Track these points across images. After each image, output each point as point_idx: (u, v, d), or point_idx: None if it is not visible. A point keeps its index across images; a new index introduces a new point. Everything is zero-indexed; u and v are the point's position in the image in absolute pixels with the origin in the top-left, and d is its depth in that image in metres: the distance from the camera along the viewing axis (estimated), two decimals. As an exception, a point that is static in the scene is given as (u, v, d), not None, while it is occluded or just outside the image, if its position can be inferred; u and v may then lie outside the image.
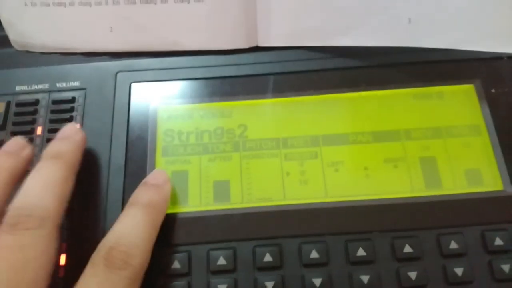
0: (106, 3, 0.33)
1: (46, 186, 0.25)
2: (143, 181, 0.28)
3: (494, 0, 0.30)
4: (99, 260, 0.24)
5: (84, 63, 0.34)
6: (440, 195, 0.29)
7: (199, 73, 0.33)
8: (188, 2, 0.33)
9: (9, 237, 0.23)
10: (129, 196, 0.29)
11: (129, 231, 0.25)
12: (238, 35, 0.34)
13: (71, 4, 0.34)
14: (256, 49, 0.34)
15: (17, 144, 0.28)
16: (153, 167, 0.30)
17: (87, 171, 0.30)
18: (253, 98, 0.33)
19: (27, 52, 0.37)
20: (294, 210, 0.29)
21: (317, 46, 0.34)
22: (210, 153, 0.31)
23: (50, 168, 0.26)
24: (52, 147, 0.28)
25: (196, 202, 0.30)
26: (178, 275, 0.27)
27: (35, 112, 0.32)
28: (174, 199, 0.30)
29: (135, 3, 0.33)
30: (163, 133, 0.32)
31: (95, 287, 0.23)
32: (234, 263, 0.27)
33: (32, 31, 0.36)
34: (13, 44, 0.37)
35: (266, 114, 0.32)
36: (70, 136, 0.28)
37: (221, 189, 0.30)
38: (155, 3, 0.33)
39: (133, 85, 0.33)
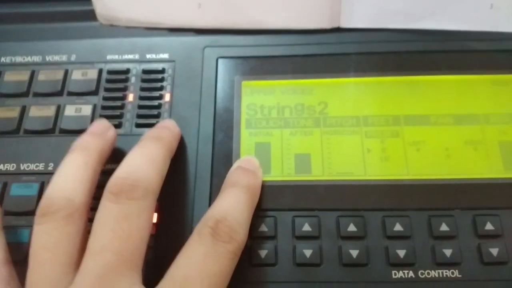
0: (197, -21, 0.35)
1: (149, 160, 0.26)
2: (238, 165, 0.29)
3: None
4: (207, 230, 0.24)
5: (171, 37, 0.36)
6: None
7: (282, 50, 0.34)
8: (278, -18, 0.34)
9: (114, 206, 0.24)
10: (217, 163, 0.30)
11: (234, 208, 0.26)
12: (322, 15, 0.35)
13: (162, -20, 0.36)
14: (339, 29, 0.35)
15: (102, 125, 0.29)
16: (238, 137, 0.32)
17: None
18: (334, 77, 0.34)
19: (112, 25, 0.39)
20: (376, 185, 0.30)
21: (400, 28, 0.34)
22: (291, 127, 0.32)
23: (152, 146, 0.27)
24: (153, 131, 0.29)
25: (279, 172, 0.31)
26: (265, 237, 0.28)
27: (126, 80, 0.34)
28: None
29: (225, -20, 0.34)
30: (247, 106, 0.33)
31: (202, 254, 0.24)
32: (318, 230, 0.28)
33: (119, 5, 0.38)
34: (98, 18, 0.39)
35: (347, 93, 0.33)
36: (169, 127, 0.30)
37: (302, 161, 0.31)
38: (245, -19, 0.34)
39: (219, 60, 0.34)
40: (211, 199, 0.30)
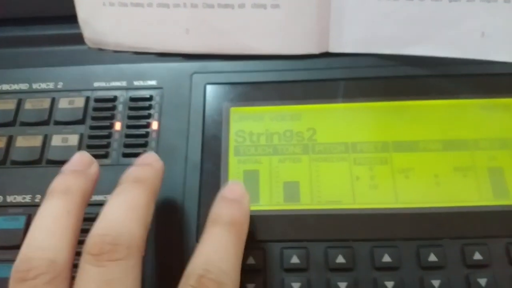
0: (184, 5, 0.35)
1: (131, 210, 0.23)
2: (221, 195, 0.27)
3: None
4: None
5: (159, 63, 0.36)
6: (508, 205, 0.30)
7: (270, 76, 0.34)
8: (265, 8, 0.34)
9: (94, 269, 0.21)
10: (205, 192, 0.30)
11: (217, 255, 0.23)
12: (310, 40, 0.35)
13: (149, 5, 0.36)
14: (327, 55, 0.35)
15: (84, 159, 0.26)
16: (226, 165, 0.32)
17: (166, 167, 0.31)
18: (322, 103, 0.33)
19: (100, 49, 0.38)
20: (365, 214, 0.30)
21: (389, 54, 0.34)
22: (280, 155, 0.32)
23: (133, 191, 0.24)
24: (133, 172, 0.26)
25: (267, 201, 0.31)
26: (254, 270, 0.28)
27: (113, 108, 0.33)
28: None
29: (213, 6, 0.34)
30: (235, 133, 0.33)
31: None
32: (307, 263, 0.28)
33: (108, 29, 0.37)
34: (86, 42, 0.39)
35: (335, 119, 0.33)
36: (150, 163, 0.27)
37: (291, 189, 0.31)
38: (233, 8, 0.34)
39: (208, 86, 0.34)
40: (198, 231, 0.29)
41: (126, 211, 0.23)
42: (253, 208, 0.30)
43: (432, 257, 0.28)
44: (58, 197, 0.24)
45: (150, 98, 0.33)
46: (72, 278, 0.22)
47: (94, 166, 0.26)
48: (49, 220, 0.23)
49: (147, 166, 0.27)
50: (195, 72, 0.34)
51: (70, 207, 0.23)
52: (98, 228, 0.23)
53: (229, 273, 0.23)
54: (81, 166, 0.26)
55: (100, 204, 0.25)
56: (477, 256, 0.28)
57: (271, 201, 0.31)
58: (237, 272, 0.24)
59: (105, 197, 0.29)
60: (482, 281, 0.27)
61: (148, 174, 0.26)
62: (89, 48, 0.39)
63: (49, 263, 0.21)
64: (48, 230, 0.22)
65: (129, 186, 0.25)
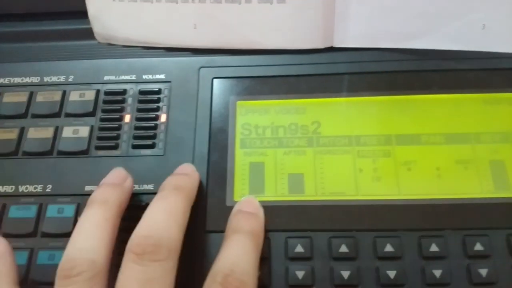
0: (192, 1, 0.36)
1: (171, 216, 0.26)
2: (238, 208, 0.29)
3: None
4: (216, 287, 0.24)
5: (167, 57, 0.36)
6: (509, 197, 0.30)
7: (276, 71, 0.35)
8: (271, 3, 0.34)
9: (137, 267, 0.23)
10: (212, 182, 0.31)
11: (241, 258, 0.26)
12: (315, 35, 0.35)
13: (158, 0, 0.36)
14: (332, 49, 0.36)
15: (120, 175, 0.29)
16: (233, 157, 0.32)
17: (174, 159, 0.32)
18: (327, 97, 0.34)
19: (109, 44, 0.39)
20: (368, 205, 0.30)
21: (391, 48, 0.35)
22: (285, 147, 0.33)
23: (173, 198, 0.27)
24: (173, 180, 0.29)
25: (272, 192, 0.31)
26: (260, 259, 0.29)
27: (123, 101, 0.34)
28: (251, 188, 0.31)
29: (220, 2, 0.35)
30: (241, 126, 0.34)
31: None
32: (311, 252, 0.29)
33: (117, 25, 0.38)
34: (96, 36, 0.39)
35: (339, 112, 0.34)
36: (188, 173, 0.30)
37: (296, 181, 0.32)
38: (240, 3, 0.35)
39: (215, 80, 0.35)
40: (207, 221, 0.30)
41: (167, 216, 0.26)
42: (259, 199, 0.31)
43: (434, 248, 0.29)
44: (97, 206, 0.26)
45: (158, 92, 0.34)
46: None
47: (129, 181, 0.29)
48: (89, 226, 0.26)
49: (185, 176, 0.29)
50: (203, 66, 0.35)
51: (107, 215, 0.26)
52: (141, 230, 0.25)
53: (251, 274, 0.25)
54: (117, 180, 0.29)
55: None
56: (478, 247, 0.28)
57: (276, 192, 0.31)
58: (256, 275, 0.26)
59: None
60: (483, 271, 0.28)
61: (186, 183, 0.29)
62: (99, 43, 0.39)
63: (89, 262, 0.24)
64: (88, 234, 0.25)
65: (169, 193, 0.27)
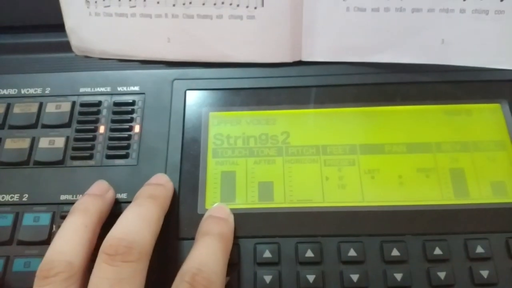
0: (166, 16, 0.37)
1: (145, 221, 0.27)
2: (209, 214, 0.30)
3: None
4: (185, 286, 0.25)
5: (142, 69, 0.38)
6: (468, 204, 0.32)
7: (247, 83, 0.36)
8: (241, 19, 0.36)
9: (109, 268, 0.24)
10: (184, 191, 0.32)
11: (209, 258, 0.27)
12: (284, 50, 0.37)
13: (133, 15, 0.38)
14: (300, 63, 0.37)
15: (102, 186, 0.31)
16: (205, 167, 0.33)
17: (147, 168, 0.33)
18: (296, 108, 0.36)
19: (86, 57, 0.40)
20: (333, 211, 0.32)
21: (357, 62, 0.37)
22: (255, 156, 0.34)
23: (147, 205, 0.28)
24: (148, 190, 0.30)
25: (243, 200, 0.33)
26: (229, 265, 0.30)
27: (98, 112, 0.35)
28: (223, 196, 0.33)
29: (192, 17, 0.36)
30: (214, 136, 0.35)
31: None
32: (278, 257, 0.30)
33: (94, 38, 0.39)
34: (73, 49, 0.40)
35: (308, 123, 0.35)
36: (163, 184, 0.31)
37: (265, 189, 0.33)
38: (211, 18, 0.36)
39: (188, 92, 0.36)
40: (179, 229, 0.31)
41: (141, 221, 0.27)
42: (230, 207, 0.32)
43: (395, 252, 0.30)
44: (78, 214, 0.28)
45: (133, 103, 0.35)
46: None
47: (110, 192, 0.31)
48: (69, 231, 0.27)
49: (160, 185, 0.31)
50: (176, 79, 0.36)
51: (87, 222, 0.28)
52: (115, 232, 0.26)
53: (219, 274, 0.27)
54: (99, 192, 0.30)
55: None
56: (437, 251, 0.30)
57: (246, 200, 0.33)
58: (224, 275, 0.27)
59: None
60: (442, 275, 0.30)
61: (160, 193, 0.30)
62: (76, 55, 0.40)
63: (66, 264, 0.25)
64: (68, 239, 0.27)
65: (144, 201, 0.29)
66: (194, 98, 0.36)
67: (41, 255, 0.27)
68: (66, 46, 0.41)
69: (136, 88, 0.36)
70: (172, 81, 0.36)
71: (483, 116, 0.35)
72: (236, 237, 0.31)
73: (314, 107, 0.35)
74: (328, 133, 0.35)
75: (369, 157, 0.34)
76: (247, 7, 0.36)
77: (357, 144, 0.34)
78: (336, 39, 0.36)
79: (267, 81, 0.36)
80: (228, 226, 0.30)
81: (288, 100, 0.36)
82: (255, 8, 0.36)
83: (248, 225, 0.31)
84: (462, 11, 0.34)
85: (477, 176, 0.33)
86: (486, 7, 0.34)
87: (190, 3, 0.36)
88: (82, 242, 0.27)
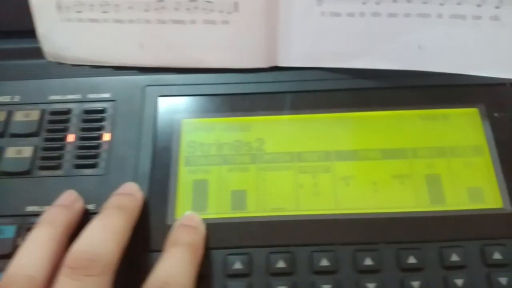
0: (138, 21, 0.36)
1: (111, 233, 0.26)
2: (178, 223, 0.30)
3: (498, 30, 0.32)
4: None
5: (114, 76, 0.37)
6: (444, 211, 0.31)
7: (221, 89, 0.36)
8: (215, 24, 0.35)
9: (69, 282, 0.24)
10: (154, 201, 0.31)
11: (176, 270, 0.26)
12: (259, 55, 0.36)
13: (105, 21, 0.37)
14: (275, 68, 0.37)
15: (70, 197, 0.30)
16: (176, 175, 0.33)
17: (116, 178, 0.32)
18: (270, 114, 0.35)
19: (59, 63, 0.39)
20: (306, 220, 0.31)
21: (333, 67, 0.36)
22: (229, 164, 0.33)
23: (115, 217, 0.28)
24: (116, 200, 0.29)
25: (215, 209, 0.32)
26: (199, 277, 0.29)
27: (67, 120, 0.35)
28: (194, 206, 0.32)
29: (165, 22, 0.36)
30: (186, 144, 0.34)
31: None
32: (249, 268, 0.29)
33: (66, 44, 0.39)
34: (46, 55, 0.40)
35: (282, 130, 0.35)
36: (131, 193, 0.30)
37: (238, 198, 0.32)
38: (184, 23, 0.36)
39: (160, 98, 0.35)
40: (149, 240, 0.30)
41: (106, 234, 0.26)
42: (202, 216, 0.31)
43: (368, 261, 0.29)
44: (44, 226, 0.27)
45: (103, 111, 0.34)
46: None
47: (78, 203, 0.30)
48: (33, 245, 0.26)
49: (128, 195, 0.30)
50: (148, 85, 0.36)
51: (53, 234, 0.27)
52: (78, 245, 0.25)
53: (186, 287, 0.26)
54: (66, 202, 0.30)
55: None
56: (412, 260, 0.29)
57: (219, 209, 0.32)
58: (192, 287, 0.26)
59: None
60: (416, 284, 0.29)
61: (128, 203, 0.29)
62: (49, 62, 0.40)
63: (27, 278, 0.24)
64: (30, 252, 0.26)
65: (110, 212, 0.28)
66: (166, 105, 0.35)
67: (3, 270, 0.26)
68: (39, 53, 0.40)
69: (107, 95, 0.35)
70: (144, 88, 0.36)
71: (461, 121, 0.35)
72: (207, 248, 0.30)
73: (290, 113, 0.35)
74: (303, 140, 0.34)
75: (344, 163, 0.33)
76: (221, 12, 0.35)
77: (332, 150, 0.34)
78: (312, 44, 0.36)
79: (242, 87, 0.36)
80: (198, 235, 0.29)
81: (263, 106, 0.35)
82: (229, 13, 0.35)
83: (219, 235, 0.31)
84: (439, 16, 0.33)
85: (453, 182, 0.32)
86: (464, 13, 0.33)
87: (163, 8, 0.35)
88: (46, 255, 0.26)
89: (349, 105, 0.35)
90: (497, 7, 0.32)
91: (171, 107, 0.35)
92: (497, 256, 0.29)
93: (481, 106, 0.34)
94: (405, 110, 0.35)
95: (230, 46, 0.36)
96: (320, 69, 0.36)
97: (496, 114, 0.34)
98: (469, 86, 0.35)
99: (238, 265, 0.29)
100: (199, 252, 0.29)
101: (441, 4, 0.33)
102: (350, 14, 0.34)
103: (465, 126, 0.34)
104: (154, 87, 0.36)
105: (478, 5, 0.33)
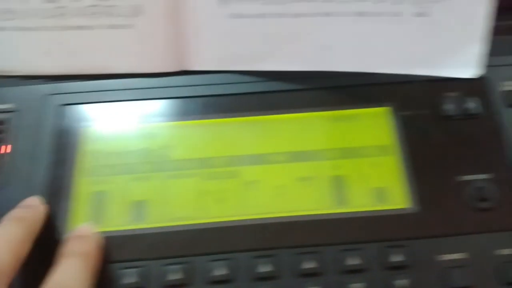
0: (41, 28, 0.35)
1: (5, 243, 0.26)
2: (71, 235, 0.29)
3: (401, 27, 0.32)
4: None
5: (18, 85, 0.36)
6: (346, 212, 0.31)
7: (127, 95, 0.35)
8: (119, 28, 0.34)
9: None
10: (52, 216, 0.30)
11: (68, 277, 0.26)
12: (166, 59, 0.35)
13: (6, 29, 0.36)
14: (184, 72, 0.36)
15: (35, 200, 0.30)
16: (75, 187, 0.32)
17: (15, 191, 0.31)
18: (177, 120, 0.34)
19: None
20: (207, 228, 0.30)
21: (241, 70, 0.35)
22: (131, 174, 0.33)
23: (12, 227, 0.27)
24: (15, 212, 0.29)
25: (112, 221, 0.31)
26: (92, 290, 0.28)
27: (-34, 132, 0.33)
28: (91, 218, 0.31)
29: (68, 28, 0.35)
30: (89, 154, 0.33)
31: None
32: (145, 282, 0.29)
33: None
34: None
35: (189, 136, 0.34)
36: (32, 206, 0.30)
37: (138, 209, 0.31)
38: (87, 29, 0.35)
39: (63, 107, 0.34)
40: (47, 253, 0.29)
41: (2, 244, 0.26)
42: (99, 229, 0.30)
43: (265, 268, 0.29)
44: (12, 222, 0.28)
45: (2, 122, 0.33)
46: None
47: (42, 206, 0.30)
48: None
49: (28, 207, 0.30)
50: (51, 94, 0.35)
51: (20, 229, 0.27)
52: None
53: None
54: (32, 203, 0.30)
55: None
56: (310, 264, 0.29)
57: (116, 221, 0.31)
58: None
59: None
60: (315, 290, 0.28)
61: (28, 215, 0.29)
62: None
63: None
64: None
65: (8, 223, 0.28)
66: (69, 114, 0.34)
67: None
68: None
69: (9, 106, 0.34)
70: (47, 96, 0.35)
71: (370, 121, 0.34)
72: (102, 261, 0.29)
73: (196, 119, 0.34)
74: (211, 145, 0.34)
75: (250, 168, 0.33)
76: (124, 16, 0.35)
77: (239, 155, 0.33)
78: (219, 47, 0.35)
79: (148, 92, 0.35)
80: (90, 245, 0.29)
81: (170, 112, 0.34)
82: (133, 17, 0.35)
83: (115, 249, 0.30)
84: (344, 14, 0.33)
85: (359, 183, 0.32)
86: (367, 10, 0.33)
87: (62, 14, 0.34)
88: (13, 246, 0.26)
89: (257, 109, 0.34)
90: (398, 3, 0.32)
91: (75, 115, 0.34)
92: (397, 258, 0.29)
93: (389, 105, 0.34)
94: (314, 112, 0.34)
95: (135, 50, 0.35)
96: (230, 72, 0.35)
97: (403, 113, 0.34)
98: (379, 85, 0.35)
99: (132, 279, 0.28)
100: (92, 261, 0.28)
101: (345, 2, 0.32)
102: (254, 16, 0.34)
103: (374, 126, 0.34)
104: (57, 95, 0.35)
105: (379, 1, 0.32)
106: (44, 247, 0.30)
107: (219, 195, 0.32)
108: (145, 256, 0.29)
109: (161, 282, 0.29)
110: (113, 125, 0.34)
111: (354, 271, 0.29)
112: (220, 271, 0.29)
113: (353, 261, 0.29)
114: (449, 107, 0.33)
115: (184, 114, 0.34)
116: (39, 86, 0.35)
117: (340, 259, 0.29)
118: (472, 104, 0.33)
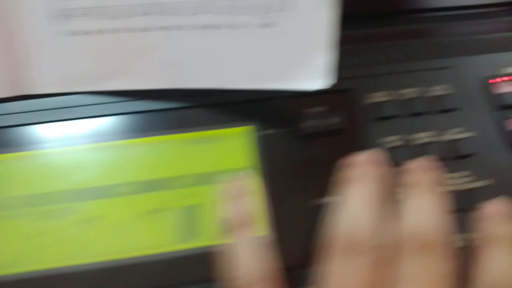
0: None
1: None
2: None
3: (248, 40, 0.29)
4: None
5: None
6: (197, 248, 0.28)
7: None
8: None
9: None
10: None
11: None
12: (0, 83, 0.31)
13: None
14: (26, 97, 0.32)
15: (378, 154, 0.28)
16: None
17: None
18: (11, 152, 0.30)
19: None
20: (36, 277, 0.26)
21: (89, 91, 0.32)
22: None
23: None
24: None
25: None
26: None
27: None
28: None
29: None
30: None
31: None
32: None
33: None
34: None
35: (23, 169, 0.30)
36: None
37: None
38: None
39: None
40: None
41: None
42: None
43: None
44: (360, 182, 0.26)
45: None
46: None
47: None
48: (358, 201, 0.25)
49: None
50: None
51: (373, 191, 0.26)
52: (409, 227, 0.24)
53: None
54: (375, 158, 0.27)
55: None
56: None
57: None
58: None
59: None
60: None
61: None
62: None
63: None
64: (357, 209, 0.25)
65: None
66: None
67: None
68: None
69: None
70: None
71: (230, 142, 0.31)
72: None
73: (33, 149, 0.30)
74: (42, 180, 0.29)
75: (89, 203, 0.29)
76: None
77: (79, 189, 0.29)
78: (58, 68, 0.31)
79: None
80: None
81: (8, 143, 0.30)
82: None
83: None
84: (188, 28, 0.30)
85: (213, 212, 0.29)
86: (209, 22, 0.30)
87: None
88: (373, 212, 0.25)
89: (103, 134, 0.31)
90: (239, 15, 0.29)
91: None
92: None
93: (252, 124, 0.31)
94: (167, 135, 0.31)
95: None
96: (77, 94, 0.32)
97: (266, 132, 0.31)
98: (241, 102, 0.32)
99: None
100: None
101: (185, 15, 0.29)
102: (91, 32, 0.30)
103: (234, 147, 0.31)
104: None
105: (220, 14, 0.29)
106: None
107: (55, 237, 0.28)
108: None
109: None
110: None
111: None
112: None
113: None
114: (311, 123, 0.30)
115: (18, 145, 0.30)
116: None
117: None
118: (335, 119, 0.31)
